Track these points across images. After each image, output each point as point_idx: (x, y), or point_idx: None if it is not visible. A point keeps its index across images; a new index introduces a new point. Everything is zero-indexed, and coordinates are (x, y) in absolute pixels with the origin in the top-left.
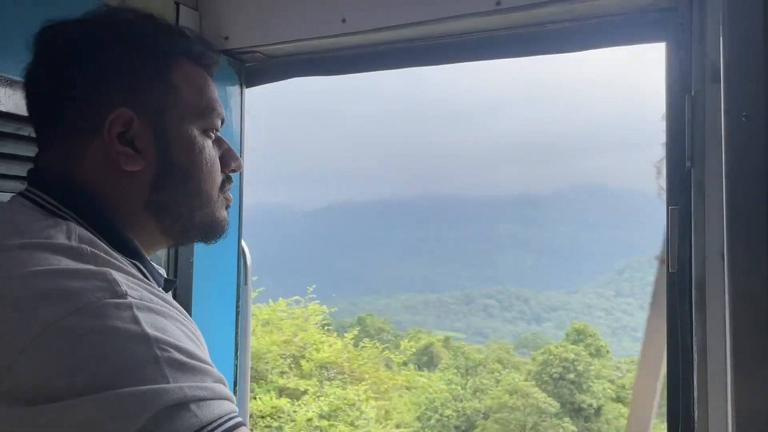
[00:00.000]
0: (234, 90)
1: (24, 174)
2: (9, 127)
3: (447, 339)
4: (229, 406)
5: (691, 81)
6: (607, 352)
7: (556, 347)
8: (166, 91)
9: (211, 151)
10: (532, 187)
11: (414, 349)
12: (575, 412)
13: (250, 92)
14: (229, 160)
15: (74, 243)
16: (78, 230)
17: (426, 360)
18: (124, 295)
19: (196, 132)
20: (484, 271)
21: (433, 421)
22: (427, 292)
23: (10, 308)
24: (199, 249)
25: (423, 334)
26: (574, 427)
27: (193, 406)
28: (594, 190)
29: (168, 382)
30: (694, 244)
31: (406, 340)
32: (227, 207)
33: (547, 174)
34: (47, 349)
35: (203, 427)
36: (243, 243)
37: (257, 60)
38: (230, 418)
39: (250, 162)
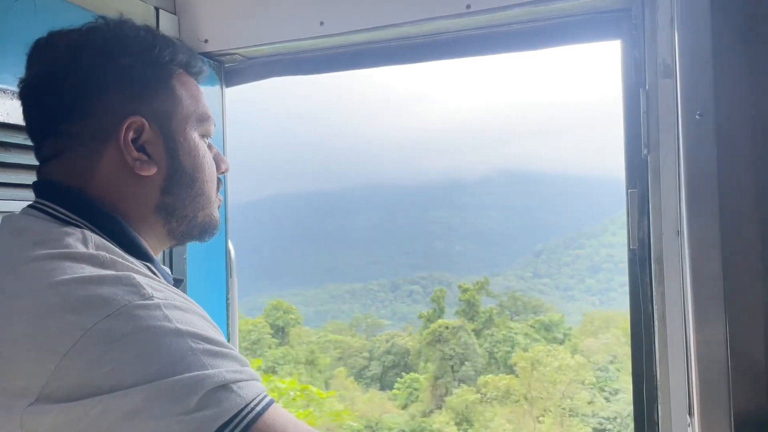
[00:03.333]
0: (214, 90)
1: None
2: (18, 138)
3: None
4: (261, 386)
5: (644, 76)
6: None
7: None
8: (170, 99)
9: (209, 155)
10: (459, 174)
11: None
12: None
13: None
14: (219, 162)
15: (92, 250)
16: (93, 237)
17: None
18: (151, 297)
19: (197, 137)
20: (414, 259)
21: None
22: (355, 281)
23: (48, 316)
24: (191, 247)
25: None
26: None
27: (234, 387)
28: (520, 175)
29: (207, 369)
30: (651, 223)
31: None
32: (218, 207)
33: (474, 160)
34: (89, 352)
35: (247, 405)
36: (228, 240)
37: (236, 61)
38: (265, 396)
39: None
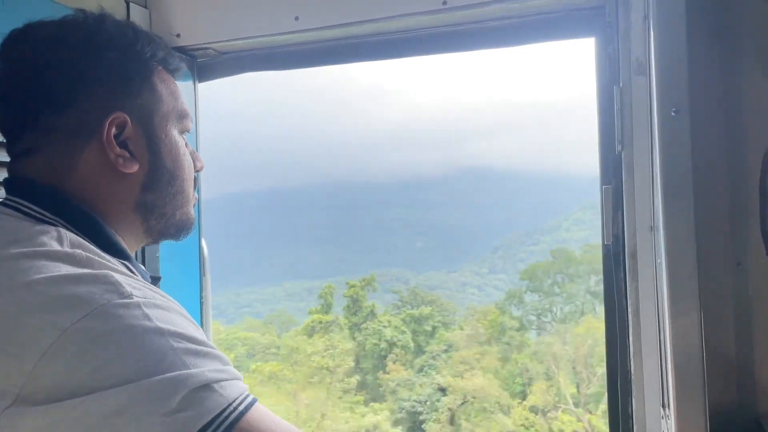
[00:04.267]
0: (187, 86)
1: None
2: None
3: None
4: (243, 385)
5: (618, 74)
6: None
7: None
8: (152, 95)
9: (188, 152)
10: (420, 171)
11: None
12: None
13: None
14: (195, 160)
15: (68, 249)
16: (68, 235)
17: None
18: (130, 296)
19: (177, 135)
20: (374, 256)
21: None
22: (314, 279)
23: (24, 315)
24: (165, 246)
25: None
26: None
27: (216, 386)
28: (480, 172)
29: (189, 368)
30: (625, 219)
31: None
32: (194, 205)
33: (434, 157)
34: (67, 353)
35: (229, 405)
36: (202, 238)
37: (209, 56)
38: (248, 395)
39: None
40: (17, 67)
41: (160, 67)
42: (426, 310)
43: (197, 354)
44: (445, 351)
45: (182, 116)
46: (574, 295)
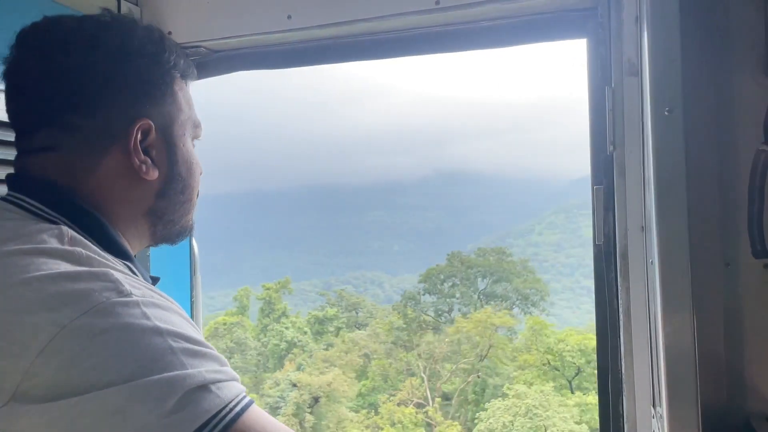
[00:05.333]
0: None
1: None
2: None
3: None
4: (240, 386)
5: (610, 74)
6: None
7: None
8: (173, 103)
9: (199, 161)
10: (398, 175)
11: None
12: None
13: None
14: None
15: (68, 246)
16: (70, 233)
17: None
18: (129, 294)
19: (190, 143)
20: (352, 259)
21: None
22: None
23: (22, 312)
24: None
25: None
26: None
27: (213, 388)
28: (457, 175)
29: (187, 369)
30: (617, 219)
31: None
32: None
33: (412, 161)
34: (65, 350)
35: (225, 406)
36: (192, 238)
37: (201, 54)
38: (244, 397)
39: None
40: (43, 62)
41: (178, 75)
42: (331, 311)
43: (195, 354)
44: (325, 349)
45: (196, 125)
46: (468, 295)
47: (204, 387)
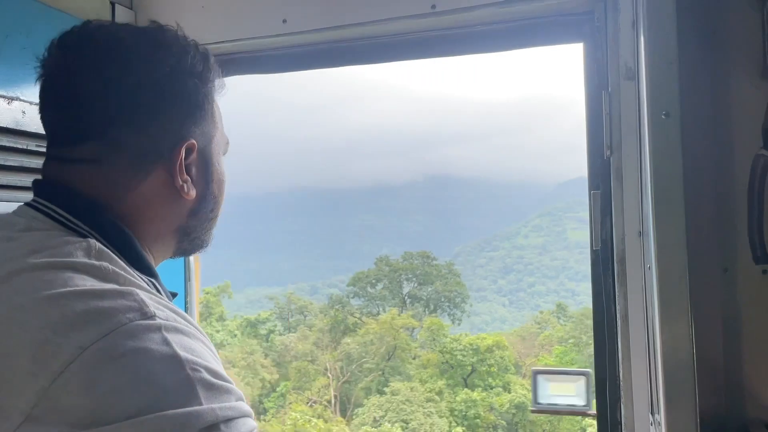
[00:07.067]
0: None
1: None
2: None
3: None
4: (252, 423)
5: (607, 78)
6: None
7: None
8: (212, 122)
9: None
10: (386, 179)
11: None
12: None
13: None
14: None
15: (95, 261)
16: (97, 246)
17: None
18: (153, 317)
19: (222, 162)
20: (339, 262)
21: None
22: (277, 285)
23: (47, 330)
24: None
25: None
26: None
27: (223, 426)
28: (444, 179)
29: (201, 404)
30: (614, 224)
31: None
32: None
33: (400, 165)
34: (83, 374)
35: None
36: None
37: None
38: None
39: None
40: (101, 75)
41: (214, 92)
42: (264, 314)
43: (211, 387)
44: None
45: (227, 143)
46: (394, 298)
47: (214, 426)
